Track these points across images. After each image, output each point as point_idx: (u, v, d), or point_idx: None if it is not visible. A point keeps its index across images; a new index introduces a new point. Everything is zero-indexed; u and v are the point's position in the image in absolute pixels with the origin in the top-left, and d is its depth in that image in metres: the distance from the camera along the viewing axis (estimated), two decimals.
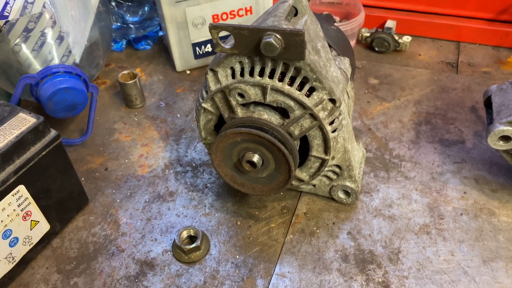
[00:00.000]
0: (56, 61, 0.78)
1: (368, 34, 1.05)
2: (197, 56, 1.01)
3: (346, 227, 0.68)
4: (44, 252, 0.67)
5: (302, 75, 0.55)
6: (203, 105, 0.63)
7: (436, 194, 0.72)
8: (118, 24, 1.09)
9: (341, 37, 0.72)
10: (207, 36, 0.98)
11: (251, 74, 0.57)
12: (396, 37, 1.03)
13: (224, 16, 0.97)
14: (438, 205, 0.71)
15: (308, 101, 0.56)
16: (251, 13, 0.99)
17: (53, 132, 0.62)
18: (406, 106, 0.89)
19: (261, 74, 0.57)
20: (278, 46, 0.51)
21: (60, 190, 0.66)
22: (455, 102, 0.89)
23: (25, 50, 0.77)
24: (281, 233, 0.68)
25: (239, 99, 0.60)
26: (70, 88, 0.72)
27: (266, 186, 0.64)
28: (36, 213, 0.63)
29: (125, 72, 0.91)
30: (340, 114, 0.59)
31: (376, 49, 1.04)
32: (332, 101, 0.57)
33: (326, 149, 0.61)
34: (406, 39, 1.03)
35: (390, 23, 1.07)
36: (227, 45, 0.56)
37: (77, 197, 0.71)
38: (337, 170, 0.66)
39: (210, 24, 0.54)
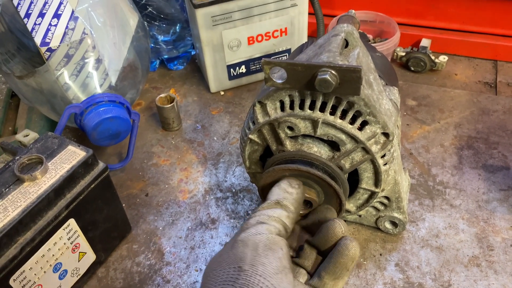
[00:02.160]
0: (95, 84, 0.78)
1: (403, 54, 1.04)
2: (231, 77, 1.01)
3: (393, 259, 0.67)
4: (89, 282, 0.67)
5: (355, 109, 0.55)
6: (250, 136, 0.63)
7: (484, 223, 0.71)
8: (151, 44, 1.09)
9: (386, 64, 0.71)
10: (241, 57, 0.98)
11: (301, 107, 0.57)
12: (433, 57, 1.01)
13: (260, 38, 0.96)
14: (487, 236, 0.69)
15: (360, 135, 0.56)
16: (285, 34, 0.98)
17: (101, 165, 0.62)
18: (446, 129, 0.88)
19: (312, 107, 0.56)
20: (333, 83, 0.51)
21: (106, 220, 0.66)
22: (496, 125, 0.88)
23: (65, 75, 0.77)
24: None
25: (288, 132, 0.59)
26: (115, 117, 0.72)
27: None
28: (84, 244, 0.63)
29: (162, 95, 0.91)
30: (391, 146, 0.58)
31: (412, 68, 1.03)
32: (385, 134, 0.56)
33: (377, 182, 0.60)
34: (443, 59, 1.01)
35: (425, 42, 1.05)
36: (279, 80, 0.55)
37: (121, 225, 0.71)
38: (385, 201, 0.65)
39: (263, 60, 0.54)
